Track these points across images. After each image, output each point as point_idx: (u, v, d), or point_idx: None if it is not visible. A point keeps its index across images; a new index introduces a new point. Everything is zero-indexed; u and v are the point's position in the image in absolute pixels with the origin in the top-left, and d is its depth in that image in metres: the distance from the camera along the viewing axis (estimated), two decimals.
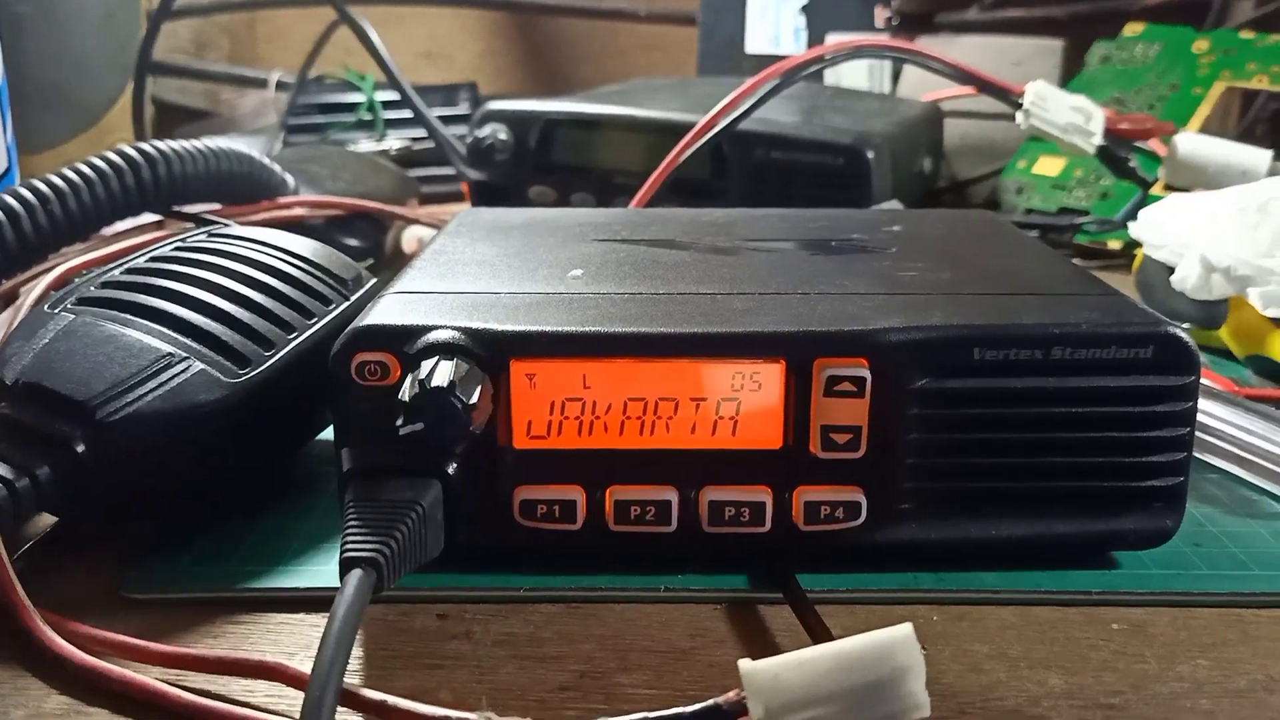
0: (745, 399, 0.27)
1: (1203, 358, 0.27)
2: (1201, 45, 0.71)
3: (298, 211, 0.51)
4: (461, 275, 0.31)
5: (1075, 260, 0.61)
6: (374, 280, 0.36)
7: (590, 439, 0.27)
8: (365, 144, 0.79)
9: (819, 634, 0.25)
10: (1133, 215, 0.55)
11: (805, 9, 0.86)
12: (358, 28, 0.68)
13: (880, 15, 0.84)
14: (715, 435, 0.27)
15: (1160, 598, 0.28)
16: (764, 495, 0.27)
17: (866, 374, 0.27)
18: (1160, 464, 0.28)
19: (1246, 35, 0.70)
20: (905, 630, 0.20)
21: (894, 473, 0.27)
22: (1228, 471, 0.35)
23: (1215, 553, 0.30)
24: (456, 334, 0.27)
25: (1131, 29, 0.75)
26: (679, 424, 0.27)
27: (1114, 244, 0.62)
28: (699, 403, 0.27)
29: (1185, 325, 0.43)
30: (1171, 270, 0.43)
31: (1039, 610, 0.27)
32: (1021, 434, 0.27)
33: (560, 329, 0.27)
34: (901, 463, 0.27)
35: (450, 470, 0.26)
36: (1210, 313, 0.44)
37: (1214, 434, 0.35)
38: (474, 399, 0.25)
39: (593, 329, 0.27)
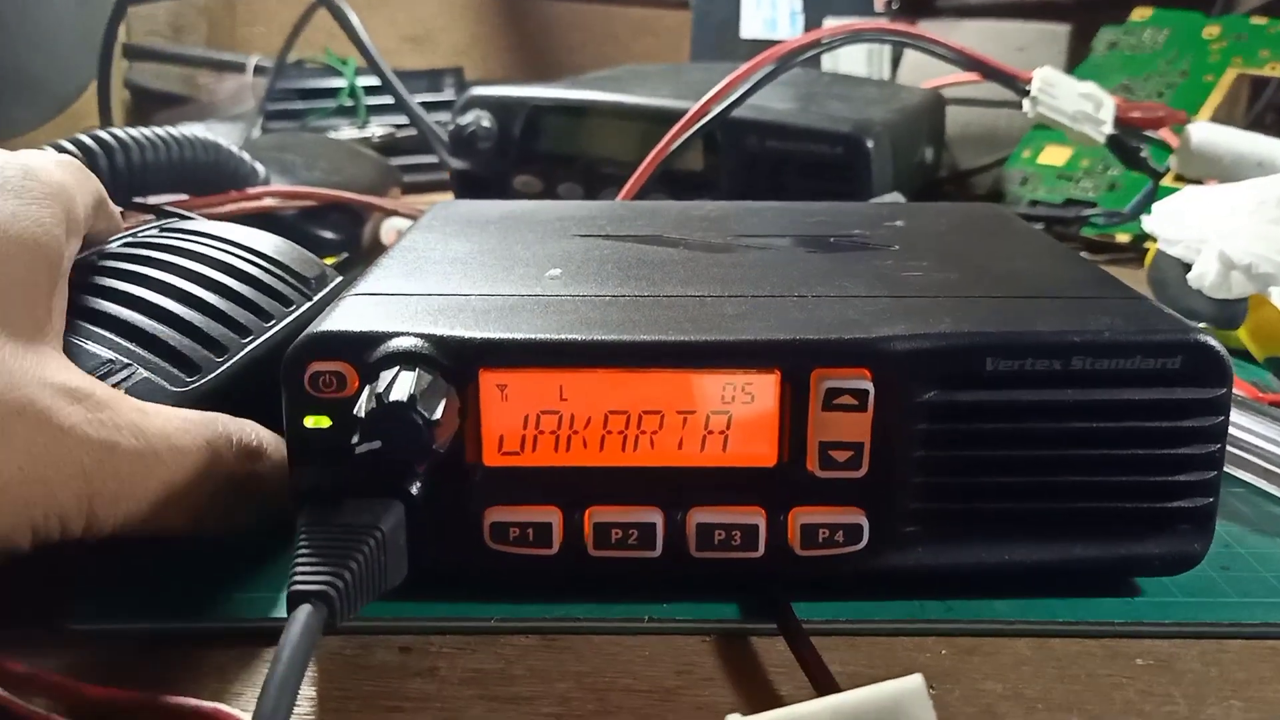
0: (737, 412, 0.25)
1: None
2: (1212, 31, 0.69)
3: (268, 202, 0.49)
4: (431, 275, 0.29)
5: (1082, 254, 0.59)
6: (339, 279, 0.34)
7: (567, 455, 0.25)
8: (347, 131, 0.77)
9: (816, 672, 0.23)
10: (1142, 207, 0.53)
11: None
12: (337, 10, 0.66)
13: None
14: (704, 452, 0.25)
15: (1188, 629, 0.25)
16: (757, 517, 0.25)
17: (869, 386, 0.24)
18: (1188, 483, 0.26)
19: (1258, 21, 0.68)
20: (915, 683, 0.18)
21: (898, 493, 0.25)
22: (1252, 485, 0.33)
23: (1245, 577, 0.27)
24: (420, 342, 0.24)
25: (1140, 14, 0.72)
26: (664, 439, 0.25)
27: (1122, 237, 0.60)
28: (686, 416, 0.25)
29: (1201, 325, 0.41)
30: (1187, 267, 0.41)
31: (1056, 643, 0.25)
32: (1037, 451, 0.25)
33: (534, 336, 0.25)
34: (907, 482, 0.25)
35: (413, 490, 0.24)
36: (1228, 312, 0.41)
37: (1238, 444, 0.33)
38: (437, 415, 0.23)
39: (570, 336, 0.25)
